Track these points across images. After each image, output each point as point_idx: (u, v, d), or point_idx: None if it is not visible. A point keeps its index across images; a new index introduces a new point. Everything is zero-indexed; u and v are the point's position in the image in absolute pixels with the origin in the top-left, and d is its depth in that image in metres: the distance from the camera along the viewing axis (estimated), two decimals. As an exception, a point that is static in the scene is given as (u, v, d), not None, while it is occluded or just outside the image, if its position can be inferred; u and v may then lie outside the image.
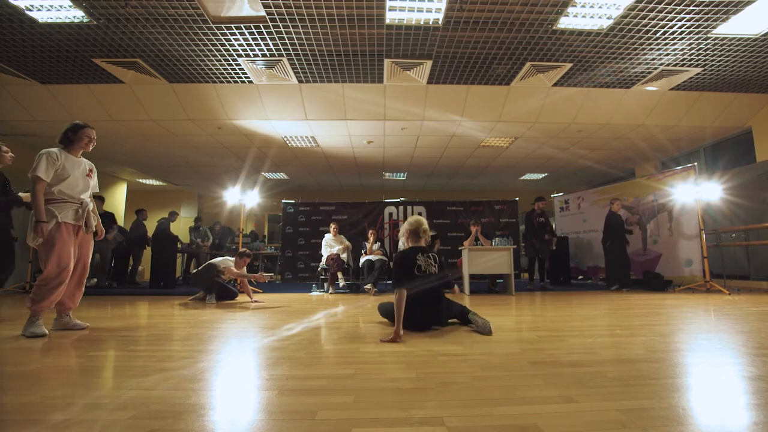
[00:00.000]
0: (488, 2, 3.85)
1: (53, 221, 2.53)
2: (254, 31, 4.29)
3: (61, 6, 3.86)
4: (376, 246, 6.37)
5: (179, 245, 7.65)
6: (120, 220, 9.41)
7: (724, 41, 4.56)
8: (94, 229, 2.81)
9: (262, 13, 3.99)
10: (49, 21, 4.09)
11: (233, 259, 4.95)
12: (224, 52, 4.72)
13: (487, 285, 6.05)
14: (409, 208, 8.26)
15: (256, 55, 4.80)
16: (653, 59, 4.94)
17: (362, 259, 6.25)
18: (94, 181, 2.85)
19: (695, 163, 6.25)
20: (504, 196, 9.69)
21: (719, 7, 3.91)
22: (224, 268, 4.77)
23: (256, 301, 4.70)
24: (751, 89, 5.86)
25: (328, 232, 6.64)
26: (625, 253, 6.10)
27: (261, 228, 12.57)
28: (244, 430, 1.10)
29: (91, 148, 2.78)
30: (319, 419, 1.16)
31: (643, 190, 7.05)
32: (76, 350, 2.12)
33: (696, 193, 5.78)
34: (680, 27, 4.26)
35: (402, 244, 2.87)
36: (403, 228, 2.87)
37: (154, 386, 1.46)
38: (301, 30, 4.28)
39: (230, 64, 4.99)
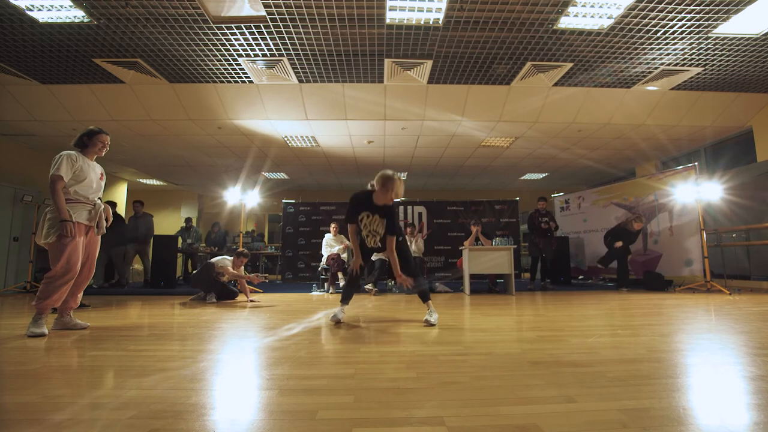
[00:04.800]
0: (489, 2, 3.85)
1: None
2: (254, 31, 4.29)
3: (61, 6, 3.85)
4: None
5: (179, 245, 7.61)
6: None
7: (724, 41, 4.55)
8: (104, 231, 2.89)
9: (263, 13, 3.99)
10: (50, 21, 4.09)
11: (231, 258, 4.97)
12: (224, 52, 4.71)
13: (488, 285, 6.05)
14: (409, 207, 8.26)
15: (256, 55, 4.80)
16: (654, 59, 4.94)
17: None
18: (102, 185, 2.93)
19: (696, 163, 6.25)
20: (504, 196, 9.69)
21: (720, 7, 3.91)
22: (221, 267, 4.79)
23: (252, 300, 4.76)
24: (752, 89, 5.85)
25: (329, 231, 6.64)
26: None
27: (261, 228, 12.58)
28: (245, 429, 1.10)
29: (104, 153, 2.88)
30: (320, 419, 1.16)
31: (644, 189, 7.05)
32: (76, 350, 2.12)
33: (696, 192, 5.77)
34: (681, 27, 4.25)
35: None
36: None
37: (154, 386, 1.46)
38: (301, 30, 4.28)
39: (230, 64, 4.99)
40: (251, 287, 5.78)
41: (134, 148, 7.45)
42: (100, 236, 2.87)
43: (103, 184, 2.90)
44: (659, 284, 5.87)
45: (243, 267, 5.08)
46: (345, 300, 3.07)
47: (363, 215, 2.96)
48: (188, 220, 8.83)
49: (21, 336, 2.45)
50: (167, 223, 11.06)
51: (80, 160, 2.68)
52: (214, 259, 4.94)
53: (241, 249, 5.11)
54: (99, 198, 2.89)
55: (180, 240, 8.03)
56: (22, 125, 6.27)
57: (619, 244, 6.04)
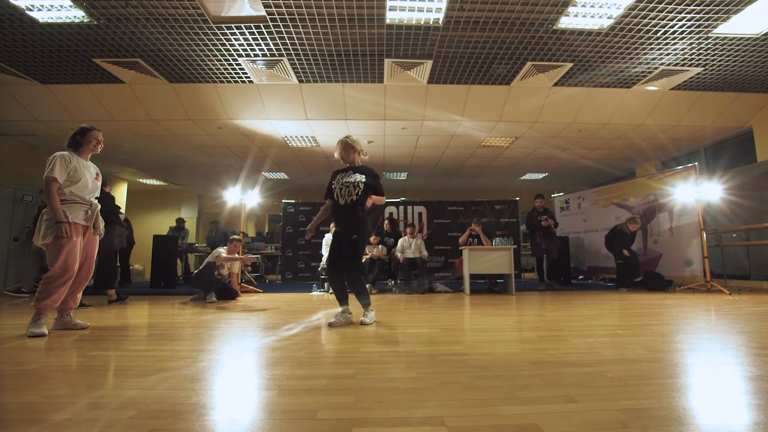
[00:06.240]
0: (489, 2, 3.85)
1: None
2: (254, 31, 4.29)
3: (61, 6, 3.85)
4: (377, 250, 6.37)
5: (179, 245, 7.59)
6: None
7: (724, 41, 4.55)
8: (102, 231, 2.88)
9: (263, 13, 3.99)
10: (50, 21, 4.09)
11: (225, 248, 5.13)
12: (224, 52, 4.71)
13: (488, 285, 6.05)
14: (409, 207, 8.26)
15: (256, 55, 4.79)
16: (654, 59, 4.93)
17: (363, 259, 6.25)
18: (98, 185, 2.91)
19: (696, 163, 6.24)
20: (504, 196, 9.69)
21: (720, 7, 3.90)
22: (216, 257, 4.89)
23: (240, 295, 4.90)
24: (752, 89, 5.85)
25: (329, 231, 6.63)
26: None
27: (261, 227, 12.58)
28: (245, 429, 1.10)
29: (99, 150, 2.87)
30: (320, 419, 1.16)
31: (644, 189, 7.05)
32: (76, 350, 2.12)
33: (696, 192, 5.77)
34: (681, 26, 4.25)
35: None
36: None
37: (154, 386, 1.46)
38: (301, 30, 4.28)
39: (230, 64, 4.99)
40: (252, 287, 5.80)
41: (134, 148, 7.45)
42: (97, 237, 2.86)
43: (98, 184, 2.88)
44: (659, 284, 5.86)
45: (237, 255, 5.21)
46: (342, 301, 2.96)
47: (338, 176, 3.05)
48: (179, 220, 8.86)
49: (21, 336, 2.45)
50: (167, 223, 11.04)
51: (74, 161, 2.66)
52: (209, 257, 5.01)
53: (233, 236, 5.30)
54: (96, 198, 2.88)
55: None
56: (22, 125, 6.27)
57: (626, 253, 6.04)
